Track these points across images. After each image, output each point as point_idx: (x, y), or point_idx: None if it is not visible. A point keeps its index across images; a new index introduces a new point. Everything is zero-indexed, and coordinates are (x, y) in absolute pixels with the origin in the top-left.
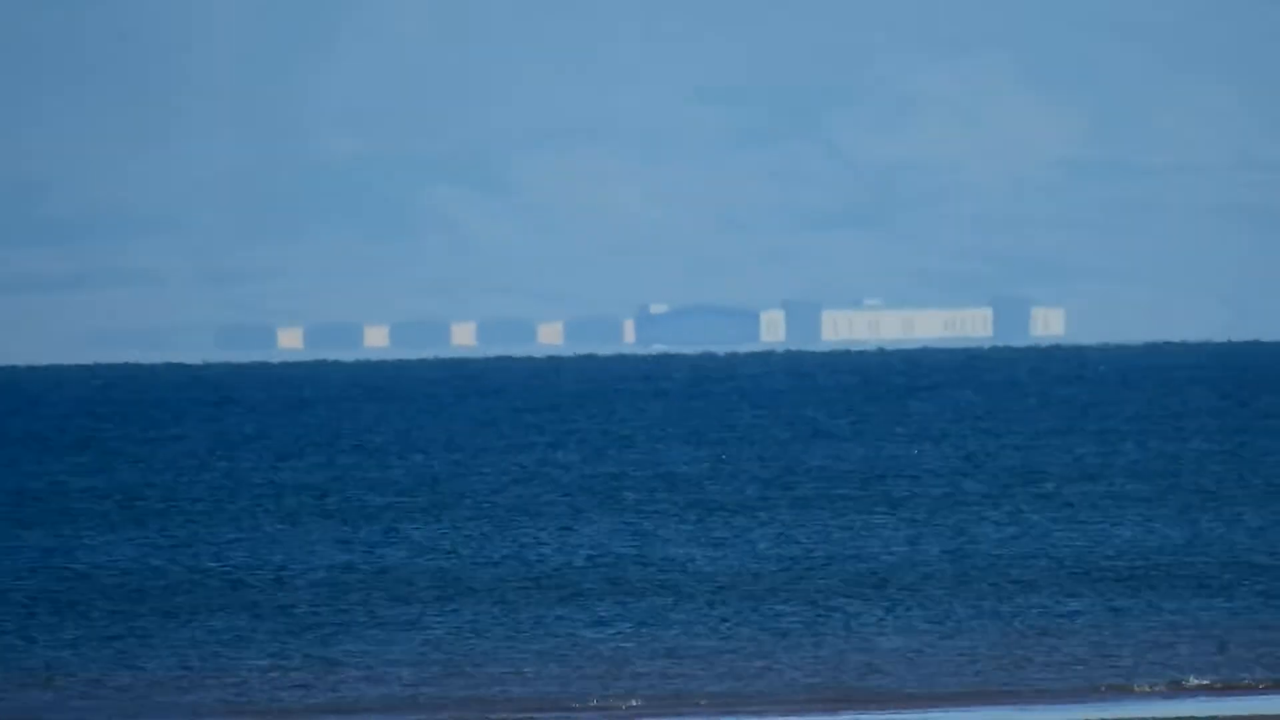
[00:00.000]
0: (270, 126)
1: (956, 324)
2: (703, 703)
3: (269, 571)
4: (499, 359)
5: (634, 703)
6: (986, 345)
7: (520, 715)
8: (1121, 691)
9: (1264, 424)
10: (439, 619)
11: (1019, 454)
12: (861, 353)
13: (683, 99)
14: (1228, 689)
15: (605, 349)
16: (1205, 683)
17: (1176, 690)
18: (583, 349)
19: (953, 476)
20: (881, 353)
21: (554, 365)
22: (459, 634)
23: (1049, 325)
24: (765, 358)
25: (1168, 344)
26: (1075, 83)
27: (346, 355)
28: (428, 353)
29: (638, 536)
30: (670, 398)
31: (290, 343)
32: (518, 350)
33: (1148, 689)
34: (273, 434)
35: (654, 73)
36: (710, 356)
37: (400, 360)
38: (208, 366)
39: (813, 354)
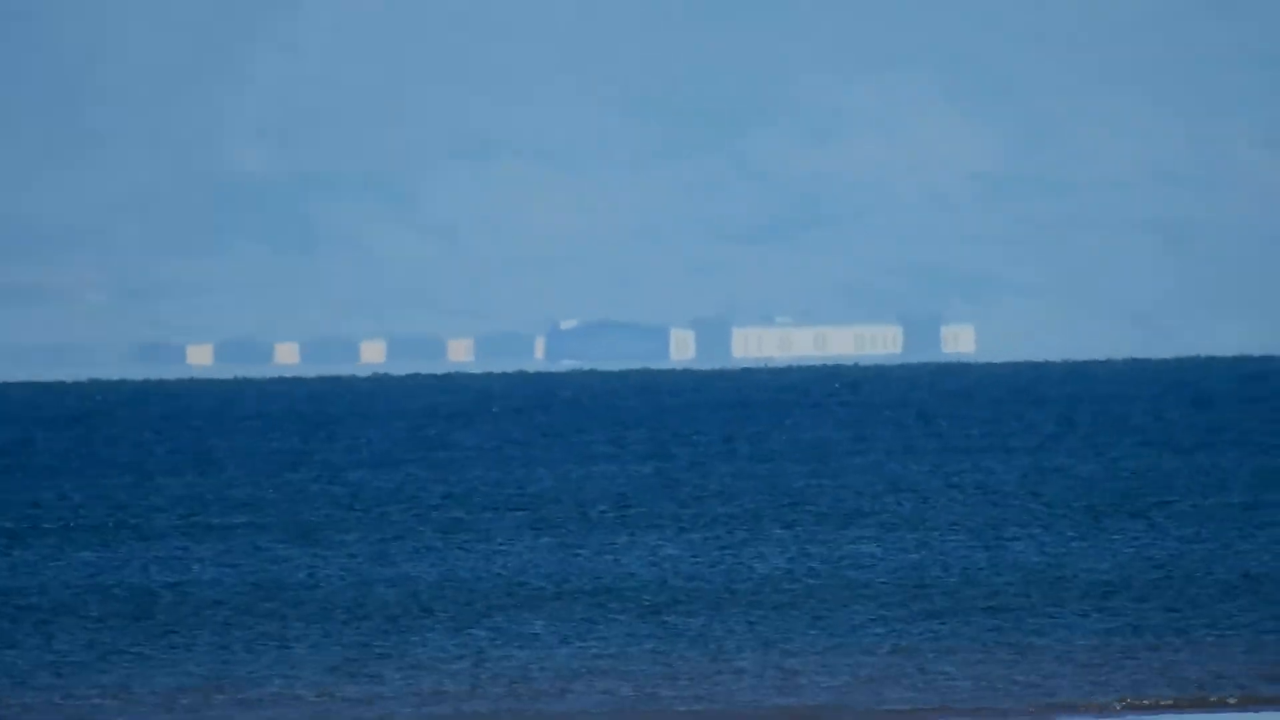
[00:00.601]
0: (182, 142)
1: (867, 341)
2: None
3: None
4: (407, 377)
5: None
6: (896, 362)
7: None
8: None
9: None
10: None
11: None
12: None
13: (597, 113)
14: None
15: (515, 365)
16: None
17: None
18: (493, 366)
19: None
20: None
21: (456, 383)
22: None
23: (959, 342)
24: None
25: (1079, 362)
26: (995, 99)
27: (257, 372)
28: (337, 369)
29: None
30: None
31: (200, 359)
32: (427, 368)
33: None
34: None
35: (568, 86)
36: (615, 374)
37: (313, 377)
38: (121, 383)
39: (721, 372)
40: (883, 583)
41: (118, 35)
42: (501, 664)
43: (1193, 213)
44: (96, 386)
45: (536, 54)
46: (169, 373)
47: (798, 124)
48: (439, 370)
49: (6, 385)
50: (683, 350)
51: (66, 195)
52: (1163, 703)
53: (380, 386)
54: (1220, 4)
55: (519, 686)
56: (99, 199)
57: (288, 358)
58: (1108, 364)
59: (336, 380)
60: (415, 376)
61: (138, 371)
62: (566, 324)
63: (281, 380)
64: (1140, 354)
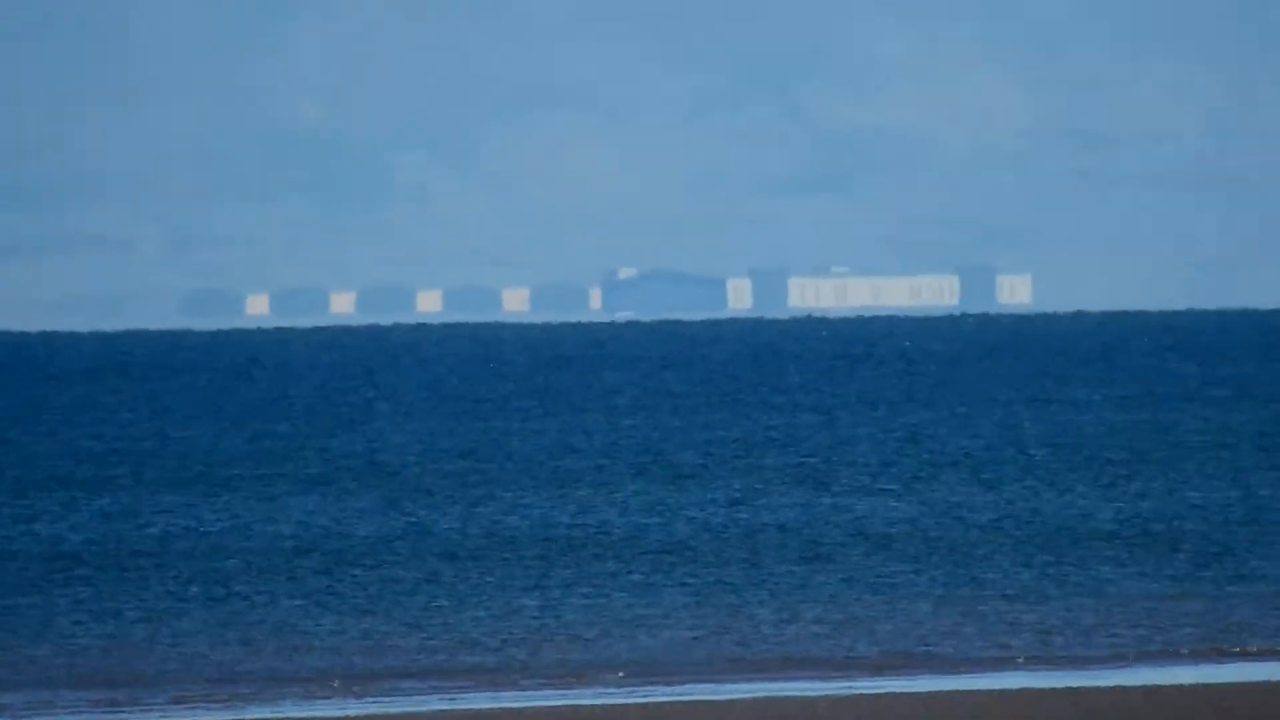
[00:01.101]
0: (237, 94)
1: (923, 291)
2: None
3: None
4: (463, 325)
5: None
6: (954, 312)
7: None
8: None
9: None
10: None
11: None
12: (825, 319)
13: (645, 66)
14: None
15: (571, 316)
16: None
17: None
18: (549, 317)
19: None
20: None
21: (515, 333)
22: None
23: (1016, 293)
24: (725, 325)
25: (1139, 312)
26: (1043, 54)
27: (313, 321)
28: (394, 319)
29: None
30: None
31: (256, 309)
32: (483, 317)
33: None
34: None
35: (618, 40)
36: (676, 323)
37: (370, 325)
38: (172, 333)
39: (779, 321)
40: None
41: None
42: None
43: (1243, 163)
44: (155, 336)
45: (589, 7)
46: (225, 322)
47: (847, 76)
48: (495, 319)
49: (68, 334)
50: (740, 300)
51: (123, 145)
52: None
53: (444, 334)
54: None
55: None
56: (156, 149)
57: (343, 307)
58: (1171, 313)
59: (392, 330)
60: (482, 325)
61: (194, 321)
62: (624, 274)
63: (338, 329)
64: (1199, 304)
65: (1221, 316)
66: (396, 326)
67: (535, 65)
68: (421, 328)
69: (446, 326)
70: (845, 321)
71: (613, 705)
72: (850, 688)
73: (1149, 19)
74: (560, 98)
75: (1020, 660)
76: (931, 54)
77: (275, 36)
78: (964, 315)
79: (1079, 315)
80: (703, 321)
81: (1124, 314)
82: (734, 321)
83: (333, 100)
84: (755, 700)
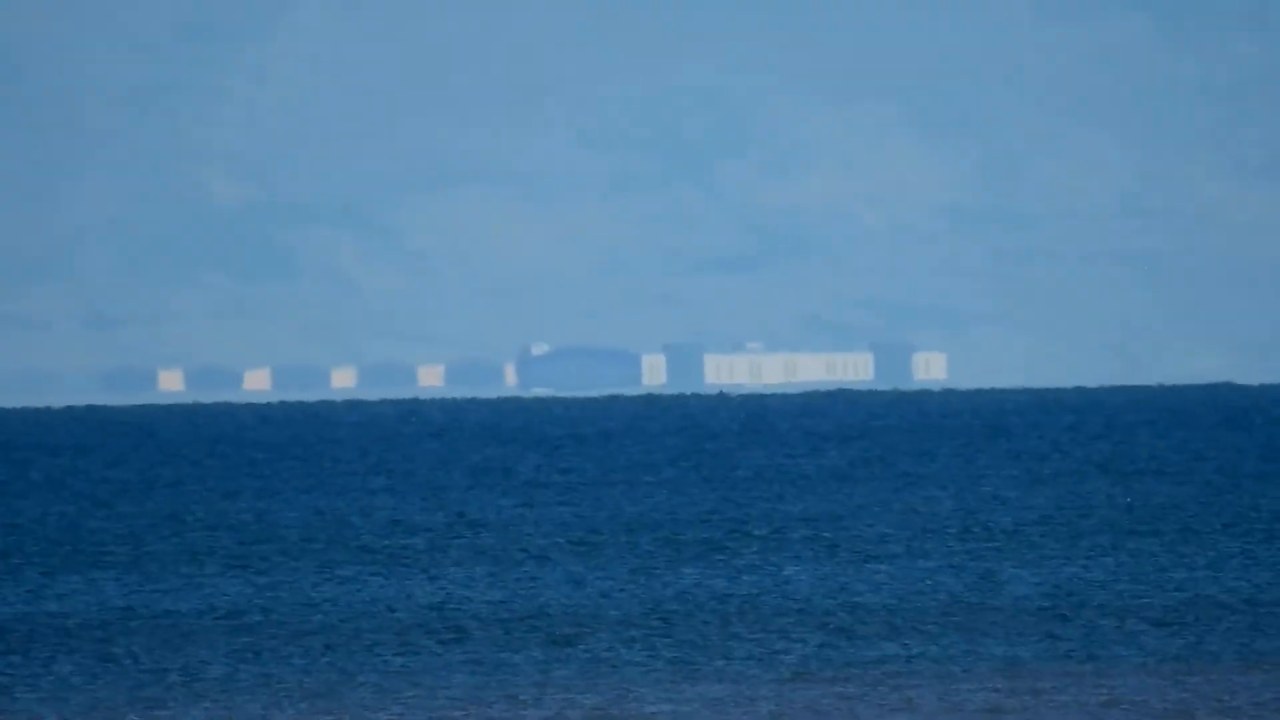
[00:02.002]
0: (154, 172)
1: (838, 368)
2: None
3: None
4: (379, 402)
5: None
6: (868, 389)
7: None
8: None
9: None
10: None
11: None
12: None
13: (566, 144)
14: None
15: (486, 392)
16: None
17: None
18: (464, 392)
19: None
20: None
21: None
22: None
23: (931, 370)
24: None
25: (1051, 389)
26: (960, 131)
27: (227, 398)
28: (310, 395)
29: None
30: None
31: (171, 385)
32: (398, 394)
33: None
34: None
35: (537, 117)
36: (586, 400)
37: (286, 402)
38: (89, 409)
39: (696, 397)
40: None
41: (89, 63)
42: None
43: (1158, 244)
44: (68, 413)
45: (507, 84)
46: (139, 399)
47: (765, 155)
48: (410, 395)
49: None
50: (654, 376)
51: (36, 223)
52: None
53: (354, 412)
54: (1180, 39)
55: None
56: (70, 228)
57: (258, 384)
58: (1081, 391)
59: (306, 406)
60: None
61: (108, 398)
62: (538, 350)
63: (254, 406)
64: (1109, 382)
65: (1134, 393)
66: (312, 403)
67: (452, 142)
68: (336, 404)
69: (360, 403)
70: (758, 397)
71: None
72: None
73: (1065, 100)
74: (476, 175)
75: None
76: (850, 133)
77: (189, 112)
78: (876, 391)
79: (991, 392)
80: (612, 397)
81: (1037, 391)
82: (649, 398)
83: (248, 177)
84: None
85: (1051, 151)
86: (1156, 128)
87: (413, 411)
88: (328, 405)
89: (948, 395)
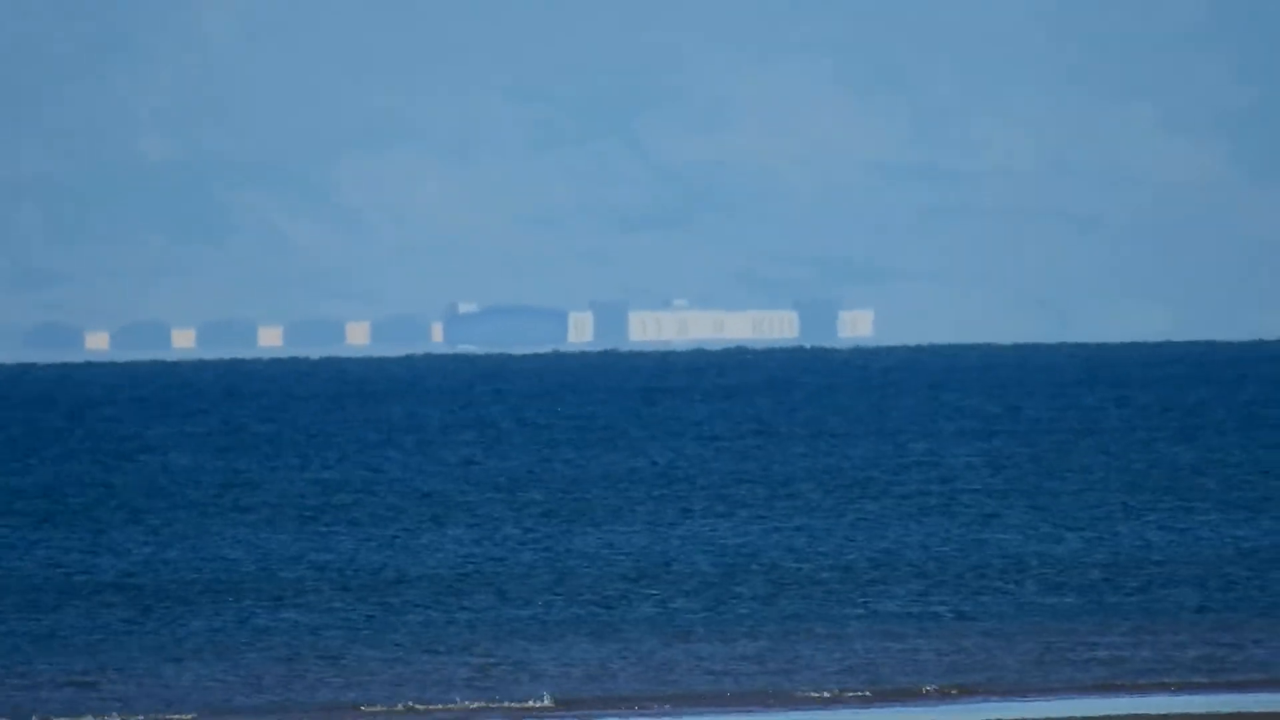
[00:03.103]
0: (80, 129)
1: (764, 325)
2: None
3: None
4: (303, 360)
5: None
6: (793, 346)
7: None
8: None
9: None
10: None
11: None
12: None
13: (489, 100)
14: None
15: (413, 349)
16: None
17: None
18: (390, 350)
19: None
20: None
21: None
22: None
23: (857, 327)
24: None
25: (977, 345)
26: (889, 88)
27: (154, 356)
28: (236, 354)
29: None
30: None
31: (97, 344)
32: (325, 351)
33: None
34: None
35: (460, 74)
36: (512, 357)
37: (213, 360)
38: (14, 367)
39: (620, 354)
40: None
41: (18, 22)
42: None
43: (1088, 200)
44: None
45: (431, 42)
46: (66, 357)
47: (690, 110)
48: (337, 353)
49: None
50: (581, 333)
51: None
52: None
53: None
54: None
55: None
56: (1, 186)
57: (185, 342)
58: (1009, 347)
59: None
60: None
61: (33, 356)
62: (465, 308)
63: (182, 364)
64: (1034, 339)
65: (1058, 351)
66: (239, 361)
67: (377, 100)
68: (264, 362)
69: (290, 360)
70: (682, 354)
71: None
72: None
73: (991, 55)
74: (401, 133)
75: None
76: (774, 88)
77: (119, 70)
78: (801, 349)
79: (917, 349)
80: (542, 355)
81: (963, 347)
82: (576, 355)
83: (175, 135)
84: None
85: (981, 108)
86: (1086, 84)
87: (340, 370)
88: (253, 363)
89: (871, 353)
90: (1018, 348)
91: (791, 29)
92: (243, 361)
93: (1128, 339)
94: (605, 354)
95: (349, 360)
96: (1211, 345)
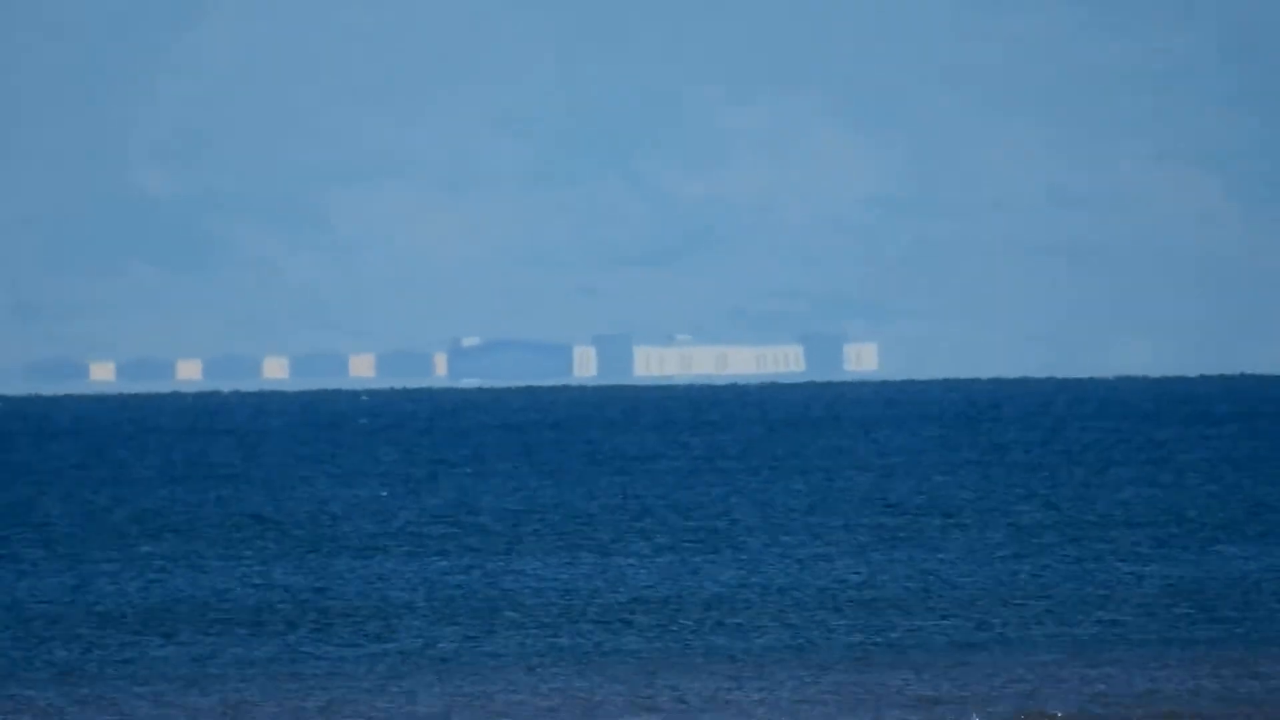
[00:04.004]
0: (83, 160)
1: (769, 360)
2: None
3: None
4: (312, 393)
5: None
6: (800, 381)
7: None
8: None
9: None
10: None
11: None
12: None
13: (485, 134)
14: None
15: (417, 382)
16: None
17: None
18: (395, 383)
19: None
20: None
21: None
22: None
23: (862, 361)
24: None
25: (980, 380)
26: (887, 122)
27: (161, 388)
28: (241, 385)
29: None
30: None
31: (103, 376)
32: (330, 384)
33: None
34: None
35: (455, 108)
36: (519, 391)
37: (217, 391)
38: (16, 399)
39: (626, 389)
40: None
41: (16, 50)
42: None
43: (1087, 233)
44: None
45: (428, 76)
46: (70, 389)
47: (688, 146)
48: (341, 386)
49: None
50: (585, 368)
51: None
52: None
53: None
54: (1107, 28)
55: None
56: None
57: (191, 374)
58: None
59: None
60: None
61: (37, 388)
62: (468, 341)
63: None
64: (1038, 373)
65: (1062, 385)
66: (243, 393)
67: (373, 134)
68: (269, 394)
69: (293, 394)
70: (690, 389)
71: None
72: None
73: (990, 88)
74: (399, 166)
75: None
76: (773, 123)
77: (117, 102)
78: (810, 383)
79: (923, 384)
80: (548, 388)
81: (966, 381)
82: (581, 389)
83: (177, 168)
84: None
85: (979, 141)
86: (1084, 117)
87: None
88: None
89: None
90: (1023, 381)
91: (788, 63)
92: (248, 394)
93: (1124, 372)
94: (615, 388)
95: (354, 392)
96: (1208, 379)
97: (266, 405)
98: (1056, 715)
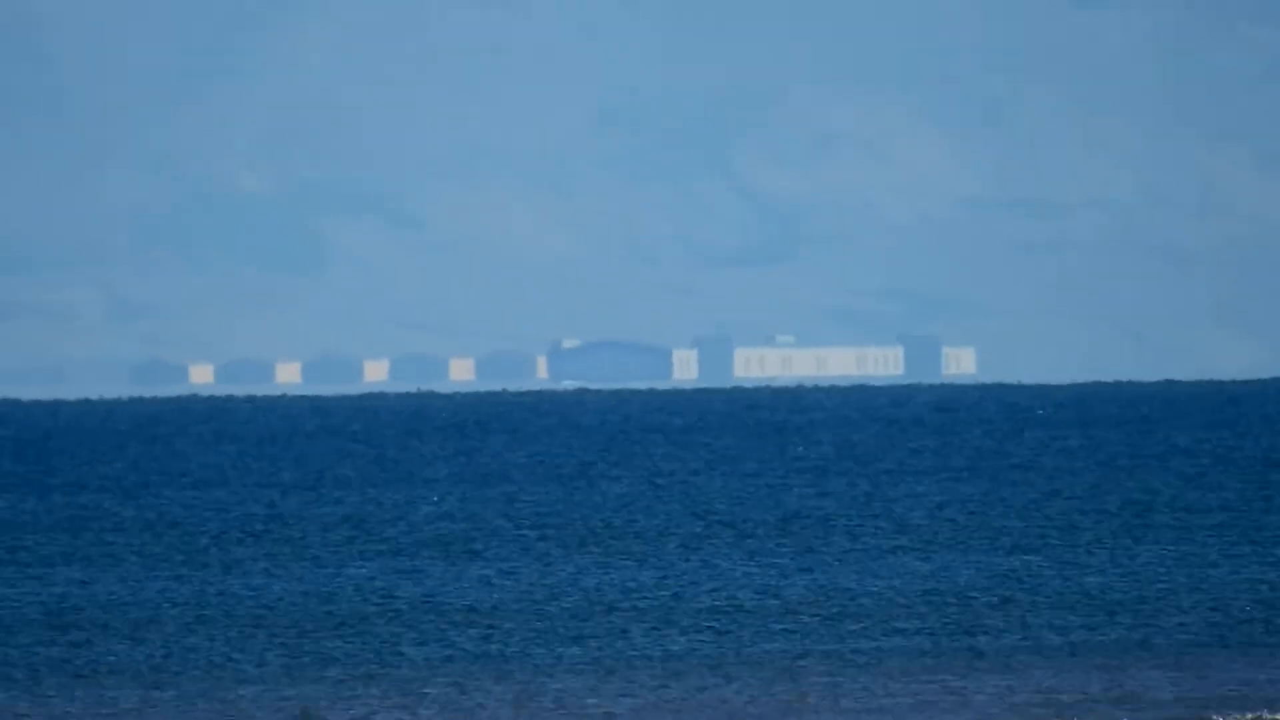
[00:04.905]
0: (181, 161)
1: (868, 362)
2: None
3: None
4: (412, 395)
5: None
6: (899, 383)
7: None
8: None
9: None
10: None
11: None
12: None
13: (587, 133)
14: None
15: (517, 385)
16: None
17: None
18: (495, 385)
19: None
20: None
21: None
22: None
23: (960, 364)
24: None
25: (1085, 384)
26: (983, 121)
27: (258, 390)
28: (340, 389)
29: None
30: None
31: (202, 378)
32: (428, 385)
33: None
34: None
35: (553, 105)
36: (621, 393)
37: (318, 395)
38: (120, 402)
39: (725, 391)
40: None
41: (116, 50)
42: None
43: (1185, 234)
44: (100, 406)
45: (529, 74)
46: (170, 391)
47: (789, 144)
48: (440, 388)
49: (8, 402)
50: (685, 370)
51: (68, 214)
52: None
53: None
54: (1207, 28)
55: None
56: (100, 218)
57: (289, 377)
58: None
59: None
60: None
61: (138, 390)
62: (569, 343)
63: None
64: (1139, 376)
65: (1166, 387)
66: (342, 396)
67: (477, 131)
68: (369, 396)
69: (392, 396)
70: (789, 391)
71: None
72: None
73: (1090, 88)
74: (498, 165)
75: None
76: (872, 123)
77: (216, 101)
78: (912, 385)
79: (1021, 388)
80: (647, 391)
81: (1066, 386)
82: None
83: (274, 167)
84: None
85: (1077, 141)
86: (1180, 116)
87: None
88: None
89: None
90: (1118, 385)
91: (888, 61)
92: (347, 397)
93: (1222, 375)
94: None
95: (452, 395)
96: None
97: (366, 407)
98: None
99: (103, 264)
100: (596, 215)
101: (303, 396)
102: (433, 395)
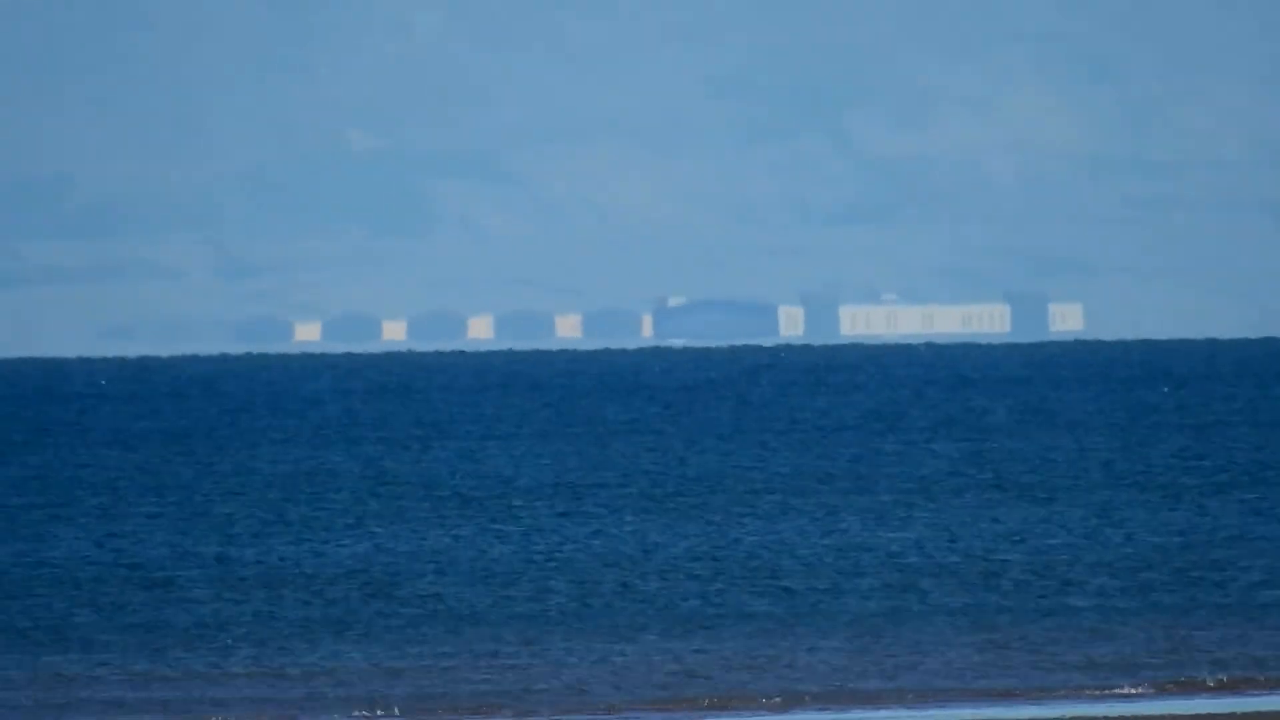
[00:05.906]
0: (290, 121)
1: (974, 320)
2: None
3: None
4: (518, 352)
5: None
6: (1005, 341)
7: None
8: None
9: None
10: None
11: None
12: (881, 346)
13: (694, 93)
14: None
15: (623, 343)
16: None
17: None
18: (601, 343)
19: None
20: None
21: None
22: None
23: (1067, 321)
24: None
25: (1193, 341)
26: (1094, 79)
27: (364, 348)
28: (446, 345)
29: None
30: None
31: (308, 335)
32: (536, 344)
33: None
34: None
35: (665, 67)
36: (727, 350)
37: (423, 351)
38: (226, 358)
39: (831, 348)
40: None
41: (227, 13)
42: None
43: None
44: (207, 362)
45: (634, 34)
46: (276, 348)
47: (892, 104)
48: (547, 346)
49: (117, 360)
50: (792, 327)
51: (175, 175)
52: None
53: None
54: None
55: None
56: (206, 178)
57: (395, 334)
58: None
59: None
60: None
61: (244, 347)
62: (674, 301)
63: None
64: (1246, 334)
65: (1275, 344)
66: (449, 352)
67: (583, 92)
68: (474, 354)
69: (498, 353)
70: (900, 348)
71: None
72: None
73: (1197, 45)
74: (605, 125)
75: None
76: (980, 81)
77: (325, 63)
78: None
79: (1128, 344)
80: (756, 347)
81: (1176, 342)
82: (788, 348)
83: (380, 127)
84: None
85: (1188, 99)
86: None
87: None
88: (472, 355)
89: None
90: (1232, 343)
91: (996, 20)
92: (456, 353)
93: None
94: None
95: (561, 354)
96: None
97: (469, 364)
98: None
99: (211, 223)
100: (704, 177)
101: (407, 352)
102: (536, 353)
